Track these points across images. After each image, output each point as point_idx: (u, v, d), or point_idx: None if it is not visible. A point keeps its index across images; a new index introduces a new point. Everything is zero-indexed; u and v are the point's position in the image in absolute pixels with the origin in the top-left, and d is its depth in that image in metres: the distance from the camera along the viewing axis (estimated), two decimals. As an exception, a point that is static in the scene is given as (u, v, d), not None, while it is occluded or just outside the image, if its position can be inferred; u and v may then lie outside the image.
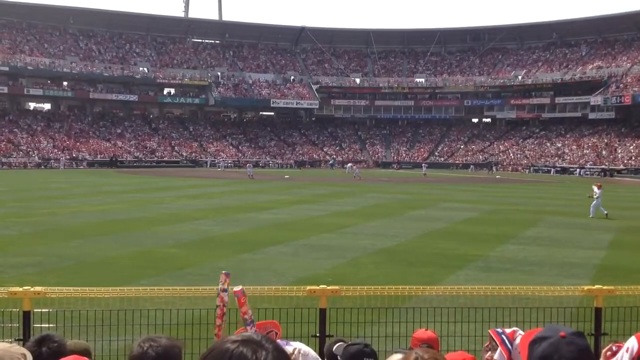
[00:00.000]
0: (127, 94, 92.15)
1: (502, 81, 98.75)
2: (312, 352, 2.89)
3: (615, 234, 22.71)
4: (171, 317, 6.26)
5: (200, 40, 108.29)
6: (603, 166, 77.53)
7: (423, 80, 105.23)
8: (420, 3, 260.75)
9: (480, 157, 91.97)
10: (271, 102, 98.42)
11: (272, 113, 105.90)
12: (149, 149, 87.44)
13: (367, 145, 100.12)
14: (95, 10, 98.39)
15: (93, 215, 26.21)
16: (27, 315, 5.87)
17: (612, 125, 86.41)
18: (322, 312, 6.21)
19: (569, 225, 25.00)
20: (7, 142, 78.95)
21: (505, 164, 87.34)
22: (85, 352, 3.59)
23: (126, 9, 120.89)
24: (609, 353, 2.66)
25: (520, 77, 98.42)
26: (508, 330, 3.27)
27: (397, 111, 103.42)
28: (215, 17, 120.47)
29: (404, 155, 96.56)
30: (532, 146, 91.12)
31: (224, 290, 4.96)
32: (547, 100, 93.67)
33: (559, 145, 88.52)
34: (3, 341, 3.27)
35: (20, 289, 5.94)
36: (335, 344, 4.24)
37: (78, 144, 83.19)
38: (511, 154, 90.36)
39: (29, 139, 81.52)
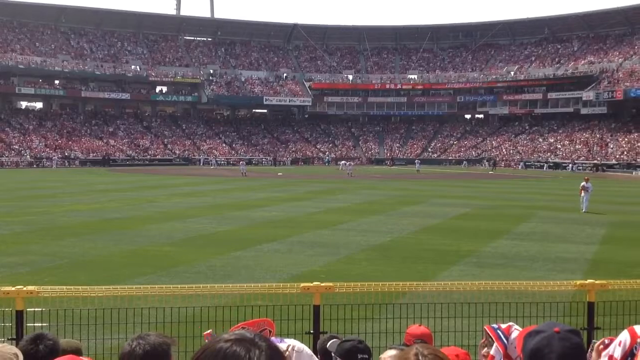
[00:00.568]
0: (119, 92, 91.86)
1: (494, 77, 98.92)
2: (307, 349, 2.89)
3: (608, 229, 22.81)
4: (164, 315, 6.26)
5: (193, 38, 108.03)
6: (595, 161, 77.78)
7: (415, 76, 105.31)
8: (412, 0, 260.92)
9: (474, 152, 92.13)
10: (264, 99, 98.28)
11: (265, 110, 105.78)
12: (142, 147, 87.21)
13: (360, 142, 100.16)
14: (87, 9, 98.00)
15: (86, 214, 26.14)
16: (20, 315, 5.85)
17: (604, 120, 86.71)
18: (316, 308, 6.21)
19: (561, 220, 25.09)
20: (-1, 141, 78.67)
21: (498, 159, 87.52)
22: (77, 351, 3.58)
23: (118, 7, 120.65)
24: (601, 347, 2.67)
25: (512, 73, 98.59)
26: (504, 326, 3.28)
27: (389, 108, 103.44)
28: (207, 14, 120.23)
29: (397, 151, 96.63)
30: (525, 142, 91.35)
31: None
32: (539, 96, 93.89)
33: (552, 140, 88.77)
34: (-5, 341, 3.26)
35: (13, 288, 5.92)
36: (328, 341, 4.24)
37: (70, 142, 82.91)
38: (504, 150, 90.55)
39: (21, 138, 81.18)
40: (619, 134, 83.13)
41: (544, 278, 12.92)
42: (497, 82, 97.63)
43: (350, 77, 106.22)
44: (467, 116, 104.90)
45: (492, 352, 3.19)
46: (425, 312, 6.40)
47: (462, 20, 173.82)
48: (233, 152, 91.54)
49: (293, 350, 3.14)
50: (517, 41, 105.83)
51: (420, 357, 1.96)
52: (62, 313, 6.39)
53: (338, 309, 6.51)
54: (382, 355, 3.15)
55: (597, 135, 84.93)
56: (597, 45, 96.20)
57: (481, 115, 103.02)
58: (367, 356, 3.57)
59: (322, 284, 6.34)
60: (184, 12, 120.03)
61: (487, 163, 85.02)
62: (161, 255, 16.60)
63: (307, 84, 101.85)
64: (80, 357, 2.83)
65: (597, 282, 6.55)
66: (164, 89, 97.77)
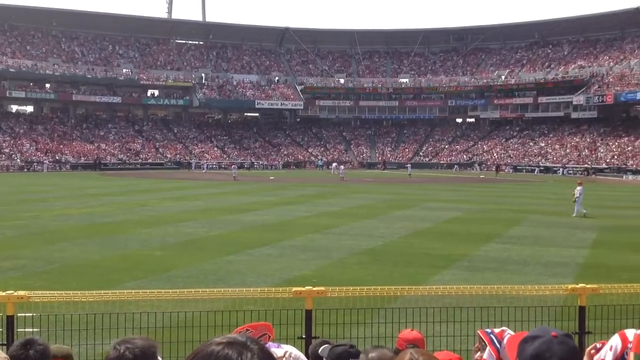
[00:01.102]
0: (111, 96, 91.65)
1: (485, 81, 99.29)
2: (303, 356, 2.89)
3: (599, 233, 22.90)
4: (156, 320, 6.23)
5: (184, 42, 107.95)
6: (586, 165, 78.13)
7: (407, 80, 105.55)
8: (403, 4, 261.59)
9: (465, 157, 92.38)
10: (256, 103, 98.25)
11: (257, 114, 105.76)
12: (133, 151, 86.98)
13: (352, 146, 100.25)
14: (78, 12, 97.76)
15: (77, 218, 26.03)
16: (10, 320, 5.82)
17: (594, 125, 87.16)
18: (308, 313, 6.20)
19: (552, 224, 25.17)
20: (-11, 145, 78.26)
21: (489, 163, 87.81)
22: (67, 357, 3.57)
23: (109, 11, 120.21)
24: (593, 351, 2.68)
25: (503, 77, 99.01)
26: (497, 330, 3.30)
27: (381, 111, 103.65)
28: (199, 18, 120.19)
29: (388, 155, 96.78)
30: (516, 146, 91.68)
31: None
32: (530, 100, 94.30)
33: (542, 144, 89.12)
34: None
35: (3, 293, 5.89)
36: (320, 346, 4.24)
37: (61, 146, 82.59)
38: (495, 154, 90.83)
39: (12, 141, 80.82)
40: (609, 138, 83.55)
41: (535, 282, 12.96)
42: (488, 86, 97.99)
43: (342, 80, 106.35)
44: (459, 120, 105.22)
45: (485, 356, 3.20)
46: (417, 316, 6.40)
47: (453, 24, 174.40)
48: (225, 155, 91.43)
49: (290, 357, 3.14)
50: (508, 45, 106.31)
51: None
52: (53, 318, 6.36)
53: (330, 314, 6.51)
54: (362, 356, 3.16)
55: (588, 140, 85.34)
56: (587, 50, 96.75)
57: (472, 119, 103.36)
58: None
59: (314, 289, 6.33)
60: (176, 15, 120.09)
61: (478, 167, 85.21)
62: (153, 260, 16.55)
63: (298, 88, 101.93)
64: None
65: (588, 286, 6.57)
66: (156, 92, 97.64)
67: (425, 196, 39.95)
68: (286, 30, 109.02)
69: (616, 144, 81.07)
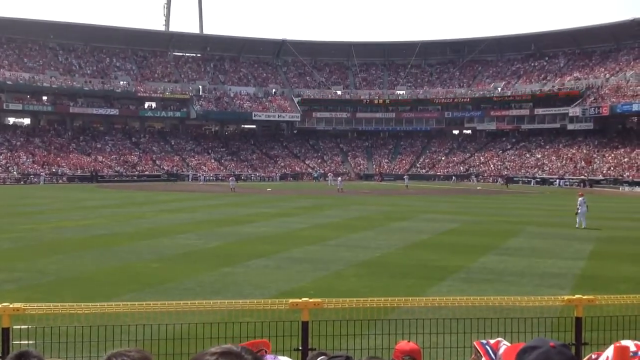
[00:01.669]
0: (108, 108, 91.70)
1: (481, 93, 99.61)
2: None
3: (595, 244, 22.91)
4: (152, 332, 6.21)
5: (182, 54, 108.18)
6: (582, 177, 78.27)
7: (404, 92, 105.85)
8: (400, 16, 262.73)
9: (462, 168, 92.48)
10: (253, 115, 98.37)
11: (254, 126, 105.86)
12: (130, 163, 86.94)
13: (349, 157, 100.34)
14: (75, 25, 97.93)
15: (74, 230, 25.98)
16: (5, 332, 5.80)
17: (590, 136, 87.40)
18: (305, 325, 6.19)
19: (549, 236, 25.18)
20: (-14, 157, 78.17)
21: (486, 175, 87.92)
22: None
23: (106, 23, 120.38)
24: (589, 363, 2.68)
25: (499, 89, 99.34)
26: (492, 341, 3.29)
27: (378, 123, 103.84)
28: (196, 30, 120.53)
29: (385, 167, 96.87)
30: (512, 157, 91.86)
31: None
32: (526, 112, 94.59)
33: (539, 156, 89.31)
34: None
35: (-1, 306, 5.87)
36: (317, 357, 4.22)
37: (58, 158, 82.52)
38: (492, 165, 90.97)
39: (8, 154, 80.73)
40: (605, 149, 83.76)
41: (532, 293, 12.95)
42: (485, 97, 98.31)
43: (339, 92, 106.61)
44: (455, 132, 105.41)
45: (480, 367, 3.19)
46: (414, 328, 6.39)
47: (449, 36, 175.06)
48: (222, 167, 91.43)
49: None
50: (504, 57, 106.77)
51: None
52: (49, 330, 6.34)
53: (327, 325, 6.49)
54: None
55: (584, 151, 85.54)
56: (583, 62, 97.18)
57: (469, 131, 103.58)
58: None
59: (311, 300, 6.32)
60: (173, 28, 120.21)
61: (475, 178, 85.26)
62: (149, 272, 16.51)
63: (295, 99, 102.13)
64: None
65: (584, 297, 6.57)
66: (153, 104, 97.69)
67: (423, 207, 39.96)
68: (283, 43, 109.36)
69: (612, 155, 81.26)
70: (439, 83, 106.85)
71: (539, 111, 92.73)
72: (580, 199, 28.93)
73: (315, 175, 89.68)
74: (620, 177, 74.43)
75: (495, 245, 22.19)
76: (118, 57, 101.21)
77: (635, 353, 2.33)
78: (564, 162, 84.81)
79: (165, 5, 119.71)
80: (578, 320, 6.43)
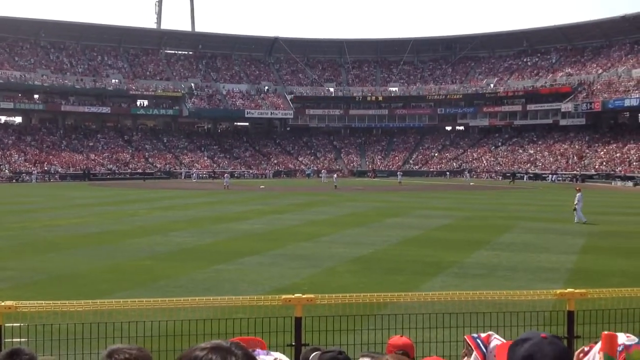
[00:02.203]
0: (100, 106, 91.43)
1: (474, 89, 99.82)
2: None
3: (588, 239, 23.01)
4: (145, 329, 6.20)
5: (173, 52, 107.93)
6: (574, 172, 78.57)
7: (396, 89, 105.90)
8: (392, 13, 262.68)
9: (454, 164, 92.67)
10: (245, 112, 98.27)
11: (247, 123, 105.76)
12: (122, 161, 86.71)
13: (342, 154, 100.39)
14: (66, 23, 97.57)
15: (66, 228, 25.90)
16: (-2, 330, 5.78)
17: (582, 132, 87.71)
18: (298, 320, 6.19)
19: (542, 231, 25.27)
20: (-23, 156, 77.83)
21: (479, 171, 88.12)
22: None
23: (98, 21, 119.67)
24: (581, 355, 2.69)
25: (492, 85, 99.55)
26: (483, 335, 3.30)
27: (371, 120, 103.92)
28: (188, 28, 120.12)
29: (378, 163, 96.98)
30: (505, 153, 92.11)
31: None
32: (518, 108, 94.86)
33: (532, 152, 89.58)
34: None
35: (-9, 304, 5.84)
36: (311, 353, 4.23)
37: (50, 157, 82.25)
38: (484, 161, 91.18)
39: (0, 153, 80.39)
40: (597, 144, 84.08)
41: (524, 288, 12.98)
42: (477, 94, 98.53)
43: (332, 89, 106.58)
44: (448, 128, 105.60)
45: (471, 360, 3.19)
46: (407, 322, 6.40)
47: (442, 33, 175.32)
48: (215, 165, 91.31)
49: None
50: (497, 54, 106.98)
51: None
52: (42, 328, 6.32)
53: (320, 321, 6.50)
54: None
55: (576, 146, 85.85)
56: (575, 58, 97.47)
57: (462, 127, 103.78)
58: None
59: (304, 296, 6.33)
60: (165, 25, 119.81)
61: (468, 174, 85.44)
62: (142, 270, 16.48)
63: (288, 97, 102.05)
64: None
65: (576, 291, 6.60)
66: (145, 102, 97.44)
67: (416, 204, 40.02)
68: (275, 40, 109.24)
69: (604, 150, 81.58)
70: (432, 80, 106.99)
71: (532, 107, 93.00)
72: (578, 194, 28.95)
73: (307, 172, 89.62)
74: (612, 172, 74.76)
75: (489, 240, 22.25)
76: (110, 55, 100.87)
77: (624, 345, 2.35)
78: (556, 157, 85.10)
79: (157, 3, 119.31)
80: (570, 313, 6.45)
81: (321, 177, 77.33)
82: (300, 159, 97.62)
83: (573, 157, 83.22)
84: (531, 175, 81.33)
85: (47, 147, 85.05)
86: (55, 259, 18.03)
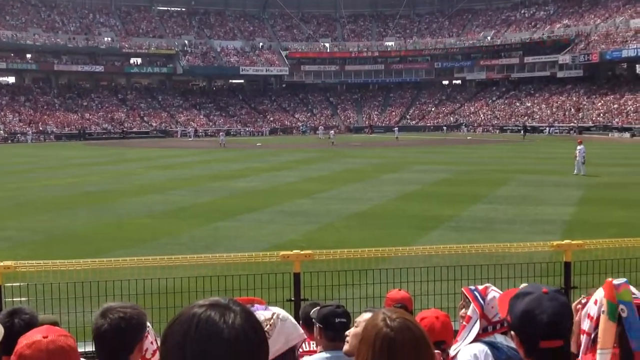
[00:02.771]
0: (93, 65, 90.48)
1: (471, 42, 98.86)
2: (291, 318, 2.88)
3: (585, 190, 23.09)
4: (144, 287, 6.24)
5: (166, 9, 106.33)
6: (572, 124, 78.42)
7: (393, 43, 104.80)
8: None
9: (451, 118, 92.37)
10: (240, 69, 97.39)
11: (242, 81, 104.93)
12: (117, 120, 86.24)
13: (338, 111, 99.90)
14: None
15: (63, 188, 25.90)
16: (-3, 290, 5.80)
17: (580, 84, 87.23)
18: (297, 276, 6.23)
19: (538, 183, 25.34)
20: (-28, 117, 77.36)
21: (476, 124, 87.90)
22: (53, 325, 3.55)
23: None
24: (579, 306, 2.70)
25: (489, 38, 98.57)
26: (480, 287, 3.32)
27: (367, 75, 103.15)
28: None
29: (375, 119, 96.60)
30: (502, 106, 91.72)
31: None
32: (516, 60, 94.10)
33: (529, 104, 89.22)
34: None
35: (-11, 264, 5.86)
36: (310, 308, 4.26)
37: (45, 117, 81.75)
38: (482, 115, 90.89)
39: (-6, 113, 79.90)
40: (595, 96, 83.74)
41: (522, 240, 13.05)
42: (474, 47, 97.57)
43: (327, 45, 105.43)
44: (445, 82, 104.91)
45: (469, 312, 3.22)
46: (405, 276, 6.45)
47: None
48: (210, 123, 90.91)
49: (277, 318, 3.13)
50: (494, 5, 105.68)
51: (388, 321, 1.95)
52: (41, 287, 6.35)
53: (319, 276, 6.54)
54: (357, 319, 3.17)
55: (574, 99, 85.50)
56: (572, 9, 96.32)
57: (459, 81, 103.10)
58: (345, 320, 3.59)
59: (302, 252, 6.35)
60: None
61: (465, 129, 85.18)
62: (141, 228, 16.54)
63: (283, 53, 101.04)
64: (58, 327, 2.80)
65: (573, 242, 6.63)
66: (138, 60, 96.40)
67: (413, 159, 40.03)
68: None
69: (602, 102, 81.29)
70: (428, 33, 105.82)
71: (529, 59, 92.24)
72: (579, 147, 28.88)
73: (302, 129, 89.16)
74: (609, 124, 74.65)
75: (486, 194, 22.32)
76: (101, 12, 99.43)
77: (614, 285, 2.37)
78: (553, 110, 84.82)
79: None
80: (567, 264, 6.50)
81: (318, 133, 77.11)
82: (296, 116, 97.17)
83: (570, 109, 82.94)
84: (528, 128, 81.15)
85: (41, 107, 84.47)
86: (53, 219, 18.08)
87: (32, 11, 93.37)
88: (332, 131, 67.11)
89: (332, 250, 6.98)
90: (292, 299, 6.19)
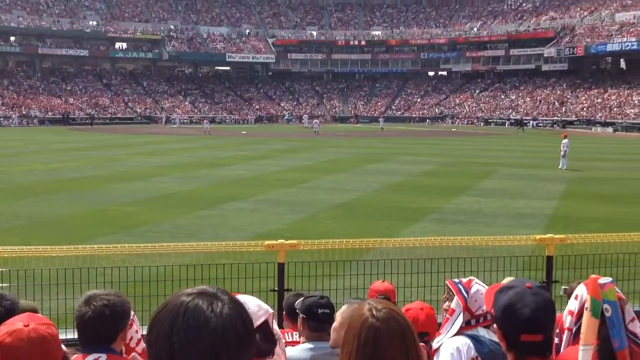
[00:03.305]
0: (77, 49, 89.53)
1: (457, 33, 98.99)
2: (253, 301, 2.78)
3: (567, 185, 23.27)
4: (127, 274, 6.21)
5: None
6: (555, 117, 78.87)
7: (379, 32, 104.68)
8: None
9: (437, 110, 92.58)
10: (227, 56, 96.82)
11: (228, 68, 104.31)
12: (102, 105, 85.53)
13: (324, 100, 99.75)
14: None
15: (46, 173, 25.69)
16: (-21, 276, 5.76)
17: (564, 77, 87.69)
18: (281, 266, 6.24)
19: (522, 177, 25.49)
20: (-47, 99, 76.36)
21: (460, 117, 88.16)
22: (33, 312, 3.53)
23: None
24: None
25: (475, 29, 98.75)
26: (464, 280, 3.34)
27: (354, 65, 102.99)
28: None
29: (361, 109, 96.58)
30: (487, 99, 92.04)
31: None
32: (501, 52, 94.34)
33: (513, 97, 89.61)
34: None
35: (-29, 250, 5.81)
36: (294, 298, 4.27)
37: (28, 100, 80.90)
38: (467, 107, 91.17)
39: (-24, 96, 78.93)
40: (579, 90, 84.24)
41: (504, 234, 13.16)
42: (460, 38, 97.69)
43: (314, 33, 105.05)
44: (431, 73, 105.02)
45: (452, 305, 3.24)
46: (388, 268, 6.47)
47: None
48: (196, 110, 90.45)
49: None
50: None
51: (374, 312, 1.97)
52: (23, 273, 6.31)
53: (303, 267, 6.54)
54: (337, 313, 3.19)
55: (558, 92, 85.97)
56: (559, 1, 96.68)
57: (444, 72, 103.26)
58: (328, 311, 3.60)
59: (287, 242, 6.36)
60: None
61: (450, 120, 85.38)
62: (124, 215, 16.45)
63: (270, 41, 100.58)
64: (39, 315, 2.79)
65: (556, 236, 6.69)
66: (124, 45, 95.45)
67: (398, 150, 40.11)
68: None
69: (585, 96, 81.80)
70: (415, 23, 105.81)
71: (515, 52, 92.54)
72: (564, 140, 29.04)
73: (287, 117, 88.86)
74: (592, 118, 75.14)
75: (469, 186, 22.43)
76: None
77: (599, 284, 2.39)
78: (537, 103, 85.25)
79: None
80: (549, 259, 6.55)
81: (303, 122, 76.97)
82: (282, 105, 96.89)
83: (554, 102, 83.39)
84: (512, 121, 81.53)
85: (24, 91, 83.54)
86: (35, 204, 17.94)
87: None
88: (316, 121, 66.89)
89: (317, 240, 6.99)
90: (276, 289, 6.19)
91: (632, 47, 76.39)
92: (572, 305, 2.66)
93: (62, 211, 16.90)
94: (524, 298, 2.25)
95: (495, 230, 14.24)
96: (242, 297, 3.16)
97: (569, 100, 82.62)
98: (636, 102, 74.12)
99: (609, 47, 79.29)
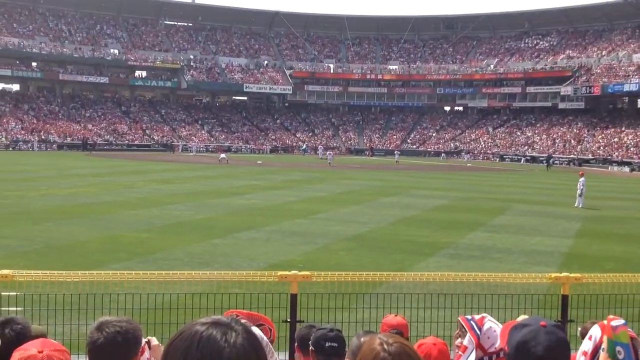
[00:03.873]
0: (98, 76, 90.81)
1: (474, 70, 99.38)
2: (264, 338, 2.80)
3: (583, 223, 23.07)
4: (141, 301, 6.22)
5: (173, 23, 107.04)
6: (572, 155, 78.58)
7: (396, 67, 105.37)
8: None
9: (452, 145, 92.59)
10: (244, 86, 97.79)
11: (245, 98, 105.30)
12: (120, 132, 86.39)
13: (340, 132, 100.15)
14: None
15: (62, 198, 25.88)
16: (-6, 299, 5.79)
17: (581, 115, 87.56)
18: (293, 297, 6.23)
19: (537, 214, 25.33)
20: (-26, 123, 77.43)
21: (476, 152, 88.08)
22: (42, 336, 3.54)
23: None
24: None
25: (492, 66, 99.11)
26: (477, 317, 3.32)
27: (370, 98, 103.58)
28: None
29: (376, 142, 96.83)
30: (503, 135, 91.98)
31: None
32: (518, 90, 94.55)
33: (529, 134, 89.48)
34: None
35: (-13, 273, 5.85)
36: (306, 330, 4.26)
37: (47, 125, 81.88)
38: (482, 142, 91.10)
39: (-3, 120, 79.98)
40: (595, 129, 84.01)
41: (519, 270, 13.05)
42: (477, 74, 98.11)
43: (332, 66, 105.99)
44: (447, 108, 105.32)
45: (465, 342, 3.22)
46: (401, 302, 6.44)
47: (443, 12, 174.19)
48: (212, 139, 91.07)
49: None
50: (498, 34, 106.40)
51: (385, 346, 1.97)
52: (37, 298, 6.34)
53: (315, 298, 6.53)
54: (347, 349, 3.19)
55: (574, 130, 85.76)
56: (576, 40, 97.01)
57: (460, 108, 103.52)
58: (336, 345, 3.58)
59: (300, 273, 6.35)
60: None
61: (465, 155, 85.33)
62: (138, 242, 16.50)
63: (287, 72, 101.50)
64: (53, 341, 2.80)
65: (571, 275, 6.63)
66: (143, 73, 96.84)
67: (413, 183, 40.06)
68: (276, 14, 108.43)
69: (602, 135, 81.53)
70: (432, 59, 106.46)
71: (531, 89, 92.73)
72: (581, 179, 28.85)
73: (303, 148, 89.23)
74: (609, 157, 74.79)
75: (484, 222, 22.31)
76: (109, 24, 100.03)
77: (612, 326, 2.38)
78: (554, 140, 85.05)
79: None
80: (564, 297, 6.49)
81: (318, 153, 77.21)
82: (298, 135, 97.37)
83: (571, 140, 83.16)
84: (528, 158, 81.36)
85: (44, 115, 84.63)
86: (51, 229, 18.05)
87: (40, 20, 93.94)
88: (330, 152, 67.09)
89: (330, 272, 6.98)
90: (289, 320, 6.17)
91: (649, 88, 76.38)
92: (586, 345, 2.64)
93: (77, 236, 16.99)
94: (538, 336, 2.24)
95: (509, 266, 14.13)
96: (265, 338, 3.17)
97: (586, 139, 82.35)
98: (653, 141, 73.74)
99: (626, 87, 79.25)
